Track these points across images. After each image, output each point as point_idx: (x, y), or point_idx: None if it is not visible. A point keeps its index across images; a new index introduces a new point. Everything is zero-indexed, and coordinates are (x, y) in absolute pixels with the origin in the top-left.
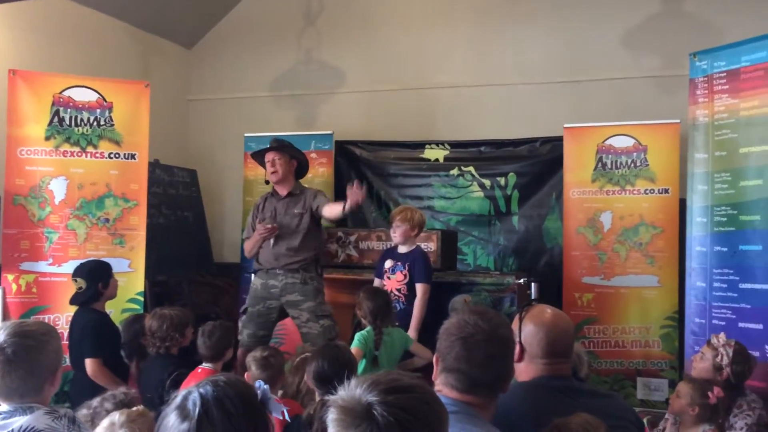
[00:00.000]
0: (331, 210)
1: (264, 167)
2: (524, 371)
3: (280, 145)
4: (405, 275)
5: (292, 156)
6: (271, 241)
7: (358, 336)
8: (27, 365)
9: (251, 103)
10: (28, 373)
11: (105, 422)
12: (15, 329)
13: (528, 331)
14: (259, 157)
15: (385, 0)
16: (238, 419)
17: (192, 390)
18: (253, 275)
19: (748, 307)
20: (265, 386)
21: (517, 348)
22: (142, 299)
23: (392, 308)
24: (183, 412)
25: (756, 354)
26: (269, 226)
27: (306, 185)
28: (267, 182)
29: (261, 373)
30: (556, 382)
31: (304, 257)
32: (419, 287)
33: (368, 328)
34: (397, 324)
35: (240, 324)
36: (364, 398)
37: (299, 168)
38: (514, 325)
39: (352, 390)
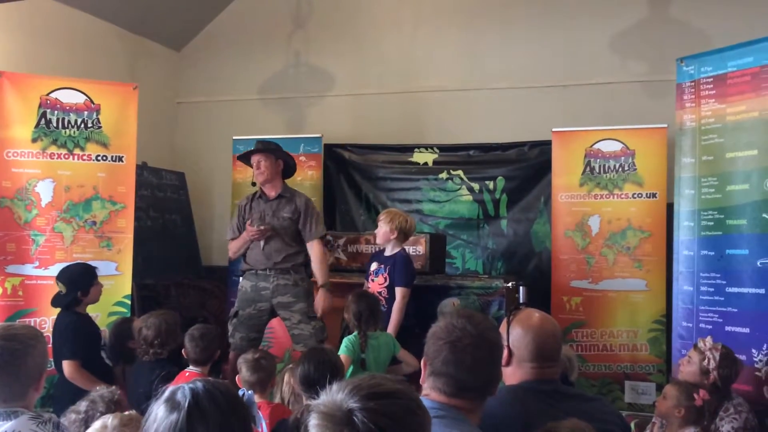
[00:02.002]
0: (315, 267)
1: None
2: (512, 375)
3: (266, 147)
4: (386, 278)
5: (278, 157)
6: (261, 242)
7: (345, 342)
8: (12, 369)
9: (240, 106)
10: (13, 378)
11: (97, 424)
12: (1, 333)
13: (516, 334)
14: (245, 159)
15: (374, 3)
16: (229, 413)
17: (180, 385)
18: (241, 278)
19: (735, 310)
20: (249, 392)
21: (505, 352)
22: (129, 302)
23: (379, 312)
24: (172, 404)
25: (742, 358)
26: (262, 227)
27: (295, 189)
28: (254, 184)
29: (252, 376)
30: (543, 386)
31: (295, 259)
32: (398, 291)
33: (356, 332)
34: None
35: (230, 327)
36: (345, 404)
37: (286, 169)
38: (502, 329)
39: (333, 395)
